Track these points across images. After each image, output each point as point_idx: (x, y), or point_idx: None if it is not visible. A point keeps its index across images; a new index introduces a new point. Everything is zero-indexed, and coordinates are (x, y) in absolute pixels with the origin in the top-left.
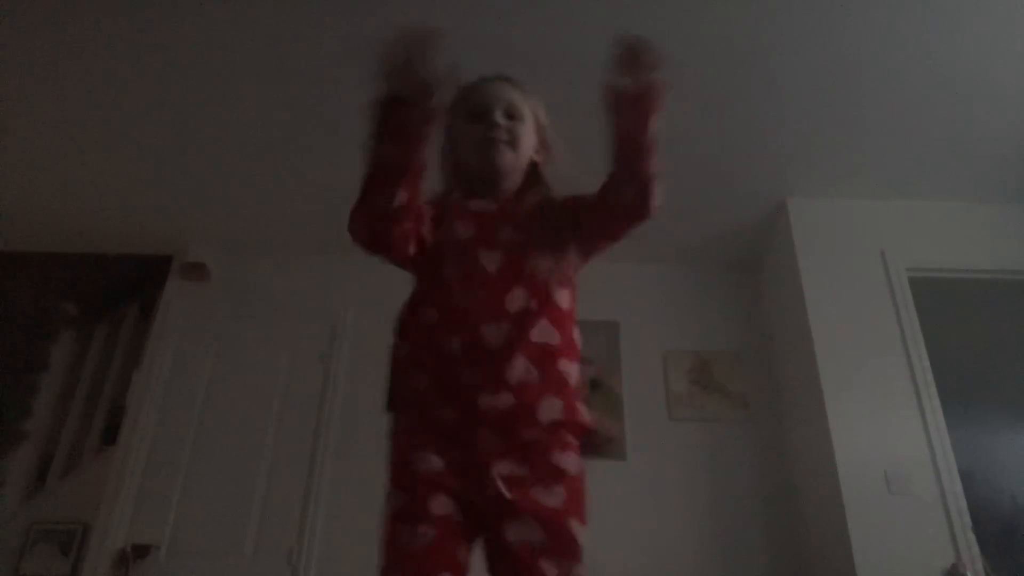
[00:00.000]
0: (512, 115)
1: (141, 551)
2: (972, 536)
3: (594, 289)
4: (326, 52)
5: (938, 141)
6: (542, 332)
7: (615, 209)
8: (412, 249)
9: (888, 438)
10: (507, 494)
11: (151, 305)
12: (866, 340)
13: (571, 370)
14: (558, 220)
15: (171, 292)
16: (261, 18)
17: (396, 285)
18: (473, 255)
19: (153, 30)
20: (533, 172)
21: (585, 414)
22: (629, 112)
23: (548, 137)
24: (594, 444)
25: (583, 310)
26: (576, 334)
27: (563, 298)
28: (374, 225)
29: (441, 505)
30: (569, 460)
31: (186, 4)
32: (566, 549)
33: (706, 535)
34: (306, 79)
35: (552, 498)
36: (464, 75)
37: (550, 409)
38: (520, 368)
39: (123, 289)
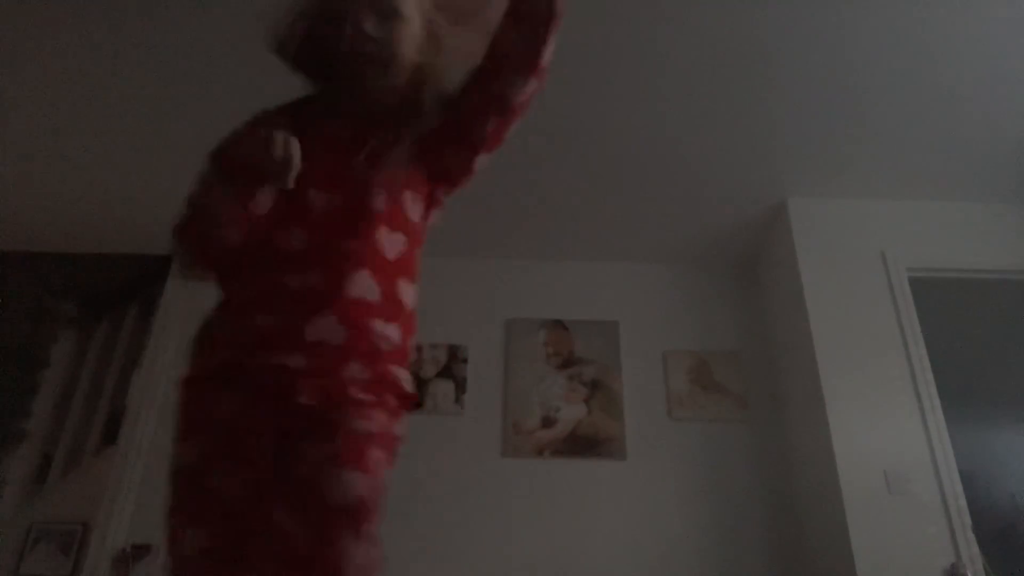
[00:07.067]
0: (388, 16)
1: (141, 551)
2: (972, 536)
3: (594, 289)
4: None
5: (938, 141)
6: (359, 286)
7: (525, 27)
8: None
9: (888, 438)
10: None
11: (151, 305)
12: (866, 340)
13: (390, 332)
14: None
15: (171, 292)
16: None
17: None
18: (303, 192)
19: (152, 30)
20: (416, 78)
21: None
22: None
23: (439, 29)
24: (594, 444)
25: (583, 310)
26: (406, 290)
27: (392, 243)
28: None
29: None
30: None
31: (187, 3)
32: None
33: (706, 535)
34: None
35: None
36: None
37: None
38: (324, 327)
39: (123, 289)
